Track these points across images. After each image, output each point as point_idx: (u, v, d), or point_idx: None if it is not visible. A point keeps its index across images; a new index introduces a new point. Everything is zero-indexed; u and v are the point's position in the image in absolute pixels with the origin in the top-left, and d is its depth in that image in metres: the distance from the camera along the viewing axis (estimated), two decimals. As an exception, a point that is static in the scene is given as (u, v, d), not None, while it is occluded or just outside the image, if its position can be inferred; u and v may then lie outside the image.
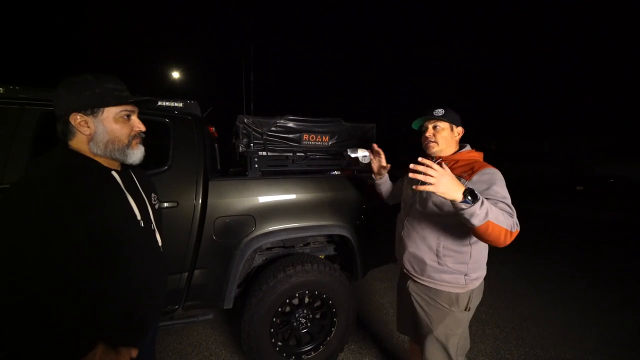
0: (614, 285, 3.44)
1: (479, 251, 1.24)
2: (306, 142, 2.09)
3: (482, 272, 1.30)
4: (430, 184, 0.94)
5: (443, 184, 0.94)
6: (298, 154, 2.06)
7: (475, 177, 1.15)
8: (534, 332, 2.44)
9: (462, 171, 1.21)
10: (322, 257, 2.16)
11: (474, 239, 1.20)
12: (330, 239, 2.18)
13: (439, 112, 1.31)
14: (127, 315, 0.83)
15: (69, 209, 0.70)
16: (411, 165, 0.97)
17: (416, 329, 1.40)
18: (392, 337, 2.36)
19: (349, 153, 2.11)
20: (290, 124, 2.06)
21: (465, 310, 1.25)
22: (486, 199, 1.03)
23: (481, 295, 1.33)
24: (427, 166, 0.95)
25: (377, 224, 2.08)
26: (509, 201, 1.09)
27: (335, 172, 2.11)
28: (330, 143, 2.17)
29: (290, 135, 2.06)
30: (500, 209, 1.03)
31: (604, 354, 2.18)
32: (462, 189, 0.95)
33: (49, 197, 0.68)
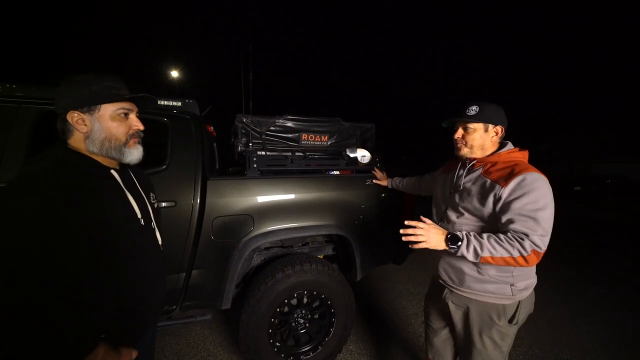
0: (612, 285, 3.45)
1: None
2: (305, 142, 2.09)
3: (532, 281, 1.17)
4: (422, 241, 1.05)
5: (432, 239, 1.05)
6: (297, 153, 2.06)
7: (511, 184, 1.03)
8: (532, 331, 2.44)
9: (500, 175, 1.08)
10: (321, 257, 2.16)
11: None
12: (329, 238, 2.18)
13: (472, 110, 1.17)
14: (127, 313, 0.83)
15: (65, 207, 0.69)
16: (401, 230, 1.09)
17: (455, 345, 1.32)
18: (391, 338, 2.36)
19: (347, 153, 2.11)
20: (289, 124, 2.05)
21: (512, 323, 1.14)
22: (516, 215, 1.00)
23: (532, 307, 1.20)
24: (414, 227, 1.06)
25: (375, 223, 2.08)
26: (540, 215, 0.98)
27: (334, 172, 2.11)
28: (329, 143, 2.17)
29: (289, 135, 2.06)
30: (515, 232, 1.00)
31: (602, 353, 2.19)
32: (444, 236, 1.06)
33: (44, 194, 0.68)
